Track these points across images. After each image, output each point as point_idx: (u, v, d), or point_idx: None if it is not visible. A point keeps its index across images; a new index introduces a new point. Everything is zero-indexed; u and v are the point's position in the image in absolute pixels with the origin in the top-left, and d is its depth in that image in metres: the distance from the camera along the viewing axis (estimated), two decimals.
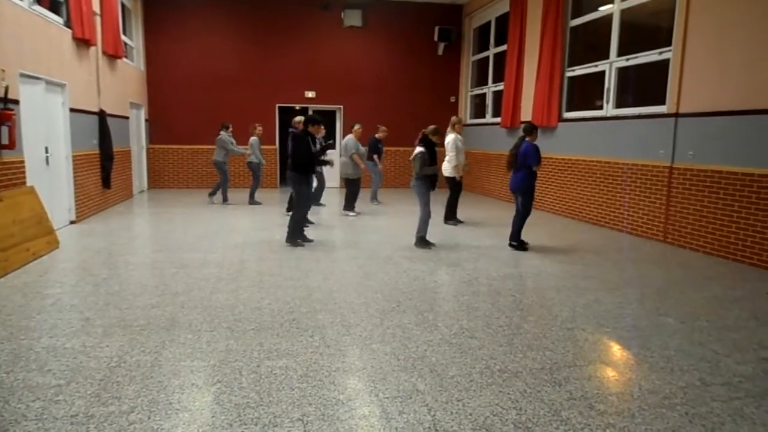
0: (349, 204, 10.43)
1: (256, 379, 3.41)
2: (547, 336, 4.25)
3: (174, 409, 3.05)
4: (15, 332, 4.13)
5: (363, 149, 10.54)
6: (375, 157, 11.28)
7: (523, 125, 7.68)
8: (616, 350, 4.07)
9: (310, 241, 7.61)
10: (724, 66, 6.99)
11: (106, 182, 10.31)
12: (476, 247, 7.55)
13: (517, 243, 7.52)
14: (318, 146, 7.79)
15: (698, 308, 5.00)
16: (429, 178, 7.33)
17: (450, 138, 9.12)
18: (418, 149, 7.29)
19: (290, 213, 10.10)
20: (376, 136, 11.45)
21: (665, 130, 7.90)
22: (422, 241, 7.48)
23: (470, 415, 3.02)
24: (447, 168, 9.12)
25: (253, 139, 11.46)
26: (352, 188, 10.43)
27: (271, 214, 10.44)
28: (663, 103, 8.05)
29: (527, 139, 7.33)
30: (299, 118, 10.37)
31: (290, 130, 10.35)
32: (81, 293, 5.19)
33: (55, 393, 3.19)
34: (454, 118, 9.54)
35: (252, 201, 11.76)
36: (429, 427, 2.89)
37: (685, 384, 3.43)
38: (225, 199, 11.65)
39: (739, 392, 3.34)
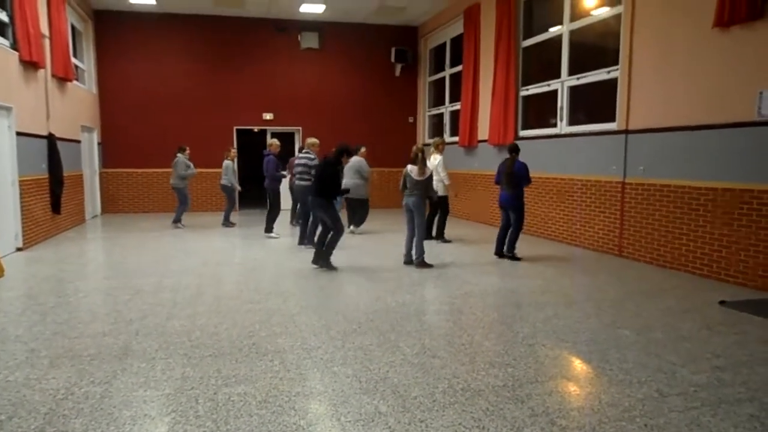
0: (360, 222, 10.57)
1: (213, 407, 3.30)
2: (509, 353, 4.26)
3: None
4: None
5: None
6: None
7: (509, 145, 8.05)
8: (576, 364, 4.11)
9: (335, 268, 7.26)
10: (668, 84, 7.25)
11: (55, 207, 9.96)
12: (436, 265, 7.54)
13: (512, 255, 7.94)
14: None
15: (653, 320, 5.10)
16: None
17: (439, 158, 9.24)
18: (413, 167, 7.34)
19: (269, 235, 10.02)
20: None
21: (616, 147, 8.12)
22: (425, 262, 7.45)
23: None
24: (440, 188, 9.17)
25: (227, 162, 11.43)
26: (364, 208, 10.53)
27: (231, 237, 10.27)
28: (613, 120, 8.29)
29: (518, 158, 7.79)
30: (274, 141, 10.33)
31: (264, 152, 10.28)
32: (26, 323, 4.95)
33: None
34: (437, 139, 9.67)
35: (226, 223, 11.61)
36: None
37: (644, 396, 3.47)
38: (174, 221, 11.34)
39: (695, 402, 3.39)
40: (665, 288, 6.34)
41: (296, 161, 9.36)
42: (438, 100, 15.08)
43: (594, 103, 9.38)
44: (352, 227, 10.54)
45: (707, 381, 3.71)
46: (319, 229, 7.68)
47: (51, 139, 9.76)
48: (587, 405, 3.37)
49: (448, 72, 14.23)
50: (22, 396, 3.43)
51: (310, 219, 8.90)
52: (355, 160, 10.20)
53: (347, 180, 10.16)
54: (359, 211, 10.55)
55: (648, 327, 4.88)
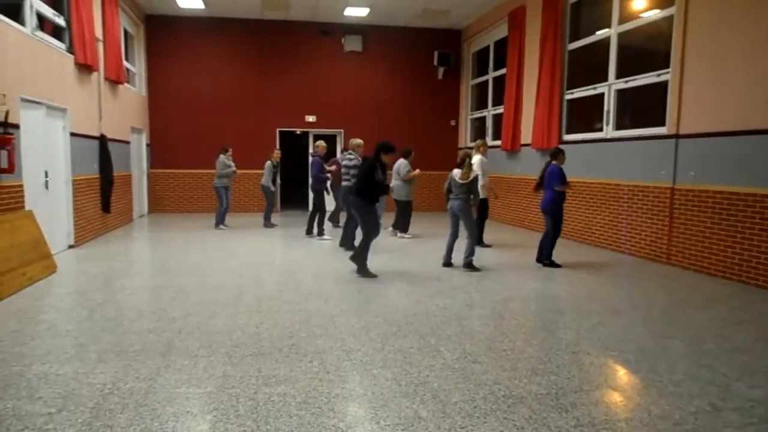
0: (405, 226, 10.52)
1: (254, 407, 3.32)
2: (552, 360, 4.16)
3: None
4: (7, 358, 4.04)
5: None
6: None
7: (551, 150, 7.99)
8: (623, 374, 3.97)
9: (374, 276, 6.97)
10: (723, 87, 6.99)
11: (105, 207, 10.27)
12: (478, 269, 7.45)
13: (549, 262, 7.77)
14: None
15: (705, 330, 4.90)
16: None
17: (476, 159, 9.16)
18: (458, 171, 7.38)
19: (320, 236, 10.11)
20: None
21: (666, 152, 7.87)
22: (472, 264, 7.44)
23: None
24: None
25: (268, 163, 11.57)
26: (406, 210, 10.51)
27: (272, 238, 10.38)
28: (663, 124, 8.04)
29: (554, 162, 7.66)
30: (321, 143, 10.41)
31: (311, 153, 10.42)
32: (76, 318, 5.10)
33: (45, 421, 3.10)
34: (479, 141, 9.63)
35: (267, 224, 11.82)
36: None
37: (696, 409, 3.33)
38: (217, 223, 11.50)
39: (752, 418, 3.23)
40: (716, 297, 6.10)
41: (342, 162, 9.47)
42: (480, 104, 14.94)
43: (642, 107, 9.12)
44: (397, 232, 10.54)
45: (765, 396, 3.53)
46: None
47: (102, 140, 10.08)
48: (636, 417, 3.25)
49: (491, 75, 14.08)
50: (71, 389, 3.52)
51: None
52: (399, 162, 10.24)
53: (397, 182, 10.20)
54: (402, 214, 10.53)
55: (699, 338, 4.69)
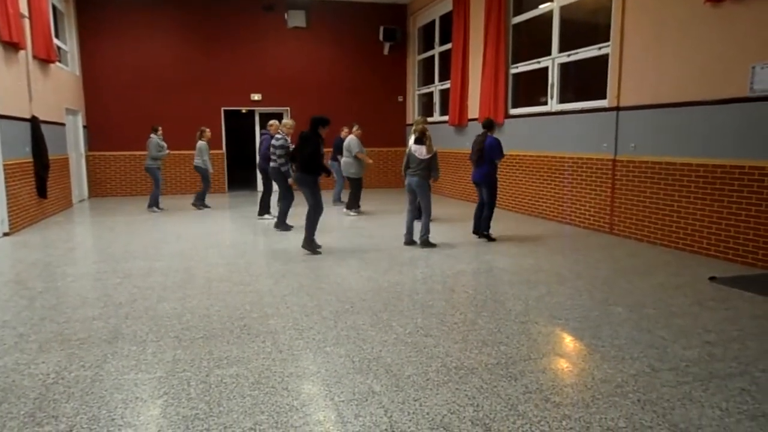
0: (353, 203, 10.46)
1: (206, 389, 3.28)
2: (502, 331, 4.26)
3: (116, 425, 2.88)
4: None
5: (365, 149, 10.52)
6: (339, 157, 11.11)
7: (483, 121, 7.91)
8: (569, 341, 4.12)
9: (319, 247, 7.13)
10: (660, 60, 7.21)
11: (41, 192, 9.81)
12: (435, 245, 7.52)
13: (487, 234, 7.79)
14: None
15: (645, 296, 5.12)
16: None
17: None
18: (418, 147, 7.20)
19: (262, 217, 9.93)
20: (341, 135, 11.27)
21: (607, 124, 8.10)
22: (429, 242, 7.38)
23: (427, 414, 2.98)
24: None
25: (201, 143, 11.21)
26: (356, 187, 10.45)
27: (219, 219, 10.19)
28: (604, 97, 8.25)
29: (490, 134, 7.66)
30: (273, 122, 10.19)
31: (262, 132, 10.18)
32: (14, 308, 4.89)
33: None
34: (419, 118, 9.53)
35: (199, 204, 11.43)
36: (386, 429, 2.83)
37: (636, 371, 3.49)
38: (150, 205, 11.13)
39: (687, 377, 3.41)
40: (656, 264, 6.36)
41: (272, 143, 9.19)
42: (427, 79, 14.96)
43: (585, 81, 9.33)
44: (344, 209, 10.52)
45: (698, 356, 3.73)
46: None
47: (34, 122, 9.58)
48: (580, 381, 3.38)
49: (437, 50, 14.09)
50: (11, 381, 3.39)
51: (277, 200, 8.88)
52: (350, 138, 10.20)
53: (347, 158, 10.18)
54: (351, 191, 10.49)
55: (640, 303, 4.90)
